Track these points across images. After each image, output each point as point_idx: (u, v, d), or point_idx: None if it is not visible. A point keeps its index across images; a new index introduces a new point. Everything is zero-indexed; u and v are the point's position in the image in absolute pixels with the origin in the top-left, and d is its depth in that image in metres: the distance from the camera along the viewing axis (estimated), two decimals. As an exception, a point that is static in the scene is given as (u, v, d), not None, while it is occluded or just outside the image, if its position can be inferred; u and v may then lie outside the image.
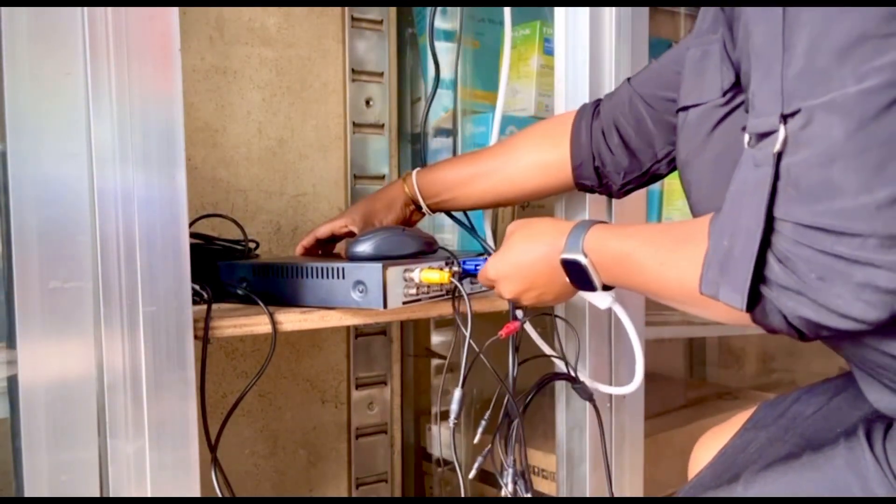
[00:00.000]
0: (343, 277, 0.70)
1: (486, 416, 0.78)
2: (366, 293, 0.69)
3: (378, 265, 0.68)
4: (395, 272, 0.69)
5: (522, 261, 0.67)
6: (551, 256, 0.64)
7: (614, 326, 0.91)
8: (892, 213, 0.43)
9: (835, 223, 0.44)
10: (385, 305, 0.68)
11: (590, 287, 0.64)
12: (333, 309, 0.72)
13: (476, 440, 0.76)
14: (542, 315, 0.88)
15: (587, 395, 0.83)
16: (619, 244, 0.60)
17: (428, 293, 0.75)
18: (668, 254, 0.57)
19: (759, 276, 0.48)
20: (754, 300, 0.49)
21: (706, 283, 0.52)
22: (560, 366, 0.84)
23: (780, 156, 0.46)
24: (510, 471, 0.77)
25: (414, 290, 0.72)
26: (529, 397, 0.80)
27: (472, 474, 0.77)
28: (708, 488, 0.61)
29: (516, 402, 0.77)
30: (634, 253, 0.59)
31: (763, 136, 0.48)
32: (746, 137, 0.50)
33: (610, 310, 0.87)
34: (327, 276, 0.71)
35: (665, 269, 0.56)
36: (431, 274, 0.71)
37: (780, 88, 0.47)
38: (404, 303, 0.71)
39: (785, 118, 0.46)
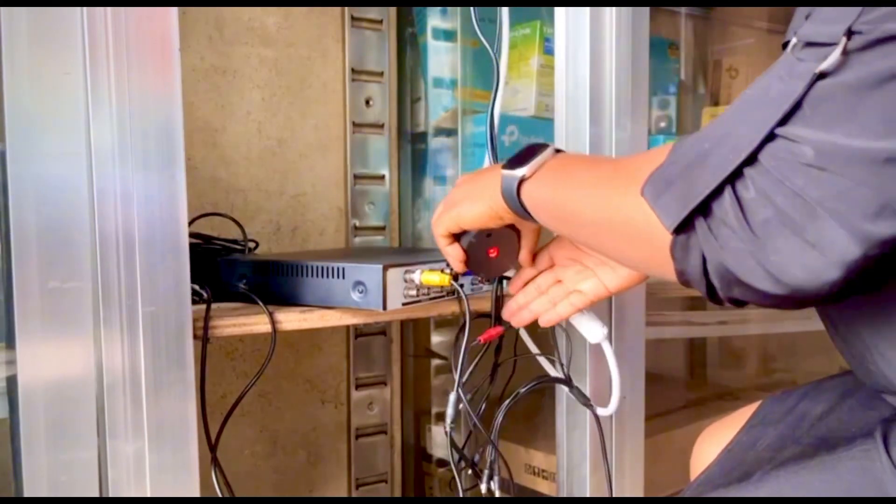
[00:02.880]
0: (343, 277, 0.70)
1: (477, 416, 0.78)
2: (365, 294, 0.69)
3: (378, 266, 0.68)
4: (395, 273, 0.69)
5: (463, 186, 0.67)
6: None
7: (615, 327, 0.90)
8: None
9: (831, 158, 0.40)
10: (385, 307, 0.68)
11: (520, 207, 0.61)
12: (333, 309, 0.72)
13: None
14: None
15: (584, 398, 0.83)
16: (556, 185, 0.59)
17: (428, 294, 0.75)
18: (608, 170, 0.54)
19: (704, 205, 0.45)
20: (684, 227, 0.46)
21: (650, 185, 0.48)
22: (557, 369, 0.84)
23: (822, 76, 0.41)
24: (486, 472, 0.78)
25: (414, 292, 0.72)
26: (510, 401, 0.79)
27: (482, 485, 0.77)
28: (718, 486, 0.60)
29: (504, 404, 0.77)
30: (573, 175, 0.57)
31: (814, 45, 0.42)
32: (793, 41, 0.44)
33: (610, 307, 0.88)
34: (327, 276, 0.71)
35: (601, 180, 0.54)
36: (432, 276, 0.71)
37: None
38: (404, 304, 0.71)
39: (852, 33, 0.40)
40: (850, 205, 0.40)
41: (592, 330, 0.77)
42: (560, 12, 0.87)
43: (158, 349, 0.61)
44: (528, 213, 0.62)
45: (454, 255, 0.70)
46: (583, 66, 0.86)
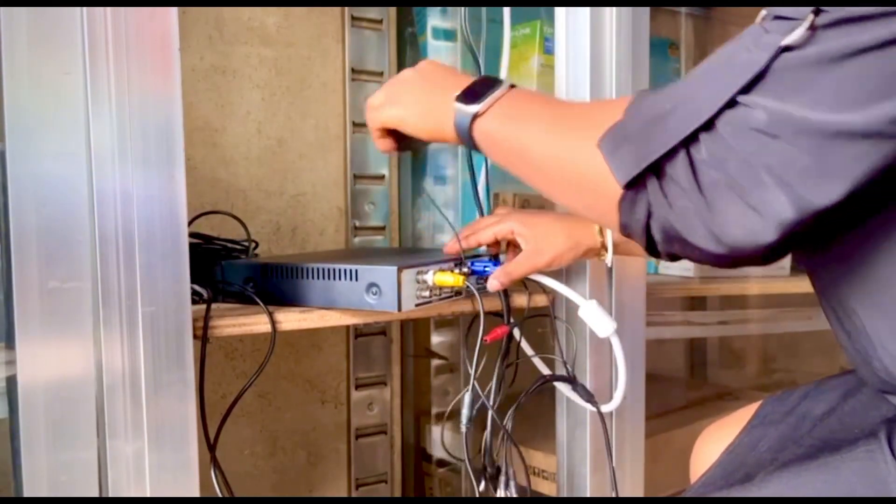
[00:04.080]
0: (356, 279, 0.70)
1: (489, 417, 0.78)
2: (380, 295, 0.68)
3: (393, 267, 0.68)
4: (409, 274, 0.69)
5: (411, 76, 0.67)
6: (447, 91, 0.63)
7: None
8: (847, 147, 0.41)
9: (783, 127, 0.42)
10: (400, 308, 0.68)
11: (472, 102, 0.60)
12: (332, 309, 0.72)
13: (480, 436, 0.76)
14: (540, 317, 0.88)
15: (587, 396, 0.83)
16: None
17: (440, 295, 0.75)
18: (565, 115, 0.56)
19: (657, 164, 0.46)
20: (635, 183, 0.47)
21: (608, 138, 0.49)
22: (560, 368, 0.84)
23: (787, 48, 0.42)
24: (502, 475, 0.78)
25: (427, 293, 0.72)
26: (519, 400, 0.79)
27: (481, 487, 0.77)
28: (719, 487, 0.60)
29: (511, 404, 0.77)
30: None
31: (782, 18, 0.43)
32: (763, 13, 0.45)
33: (611, 307, 0.88)
34: (339, 278, 0.71)
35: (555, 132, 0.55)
36: (445, 277, 0.71)
37: None
38: (417, 305, 0.71)
39: (819, 11, 0.41)
40: (794, 173, 0.42)
41: (602, 324, 0.77)
42: (560, 12, 0.87)
43: (158, 349, 0.61)
44: (478, 149, 0.62)
45: (384, 146, 0.71)
46: (583, 66, 0.86)
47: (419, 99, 0.66)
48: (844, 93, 0.41)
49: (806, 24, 0.41)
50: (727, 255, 0.46)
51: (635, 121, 0.49)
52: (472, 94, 0.61)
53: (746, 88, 0.43)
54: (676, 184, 0.46)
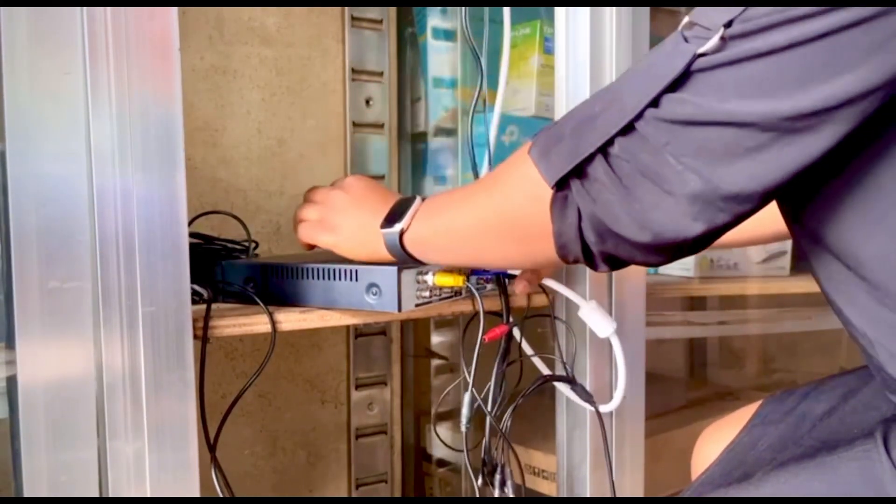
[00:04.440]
0: (356, 280, 0.70)
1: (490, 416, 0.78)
2: (380, 296, 0.68)
3: (393, 268, 0.68)
4: (409, 274, 0.69)
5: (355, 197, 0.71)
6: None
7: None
8: (758, 136, 0.44)
9: (697, 117, 0.45)
10: (400, 308, 0.68)
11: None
12: (332, 309, 0.72)
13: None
14: (540, 317, 0.88)
15: (586, 396, 0.83)
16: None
17: (440, 295, 0.75)
18: (475, 185, 0.62)
19: (580, 167, 0.50)
20: (564, 184, 0.51)
21: (538, 144, 0.53)
22: (559, 368, 0.84)
23: (701, 55, 0.46)
24: (497, 473, 0.78)
25: (427, 293, 0.72)
26: (518, 400, 0.79)
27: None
28: (718, 486, 0.61)
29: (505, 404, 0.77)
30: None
31: (698, 26, 0.47)
32: (685, 20, 0.49)
33: (610, 307, 0.88)
34: (339, 278, 0.71)
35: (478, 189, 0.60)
36: (446, 277, 0.71)
37: None
38: (417, 305, 0.71)
39: (731, 23, 0.45)
40: (707, 158, 0.46)
41: (602, 324, 0.77)
42: (560, 12, 0.87)
43: (158, 349, 0.61)
44: (418, 261, 0.66)
45: (308, 249, 0.76)
46: (583, 66, 0.86)
47: (352, 227, 0.70)
48: (754, 86, 0.44)
49: (717, 35, 0.45)
50: (653, 243, 0.49)
51: (568, 123, 0.52)
52: (392, 218, 0.65)
53: (668, 89, 0.47)
54: (597, 181, 0.49)
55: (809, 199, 0.53)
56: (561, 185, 0.51)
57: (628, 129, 0.48)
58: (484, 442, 0.78)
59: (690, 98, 0.46)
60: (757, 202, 0.47)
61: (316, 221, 0.73)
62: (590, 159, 0.49)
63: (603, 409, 0.83)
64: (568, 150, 0.50)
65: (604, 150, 0.49)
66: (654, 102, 0.47)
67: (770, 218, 0.67)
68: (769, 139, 0.45)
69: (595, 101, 0.52)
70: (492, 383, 0.77)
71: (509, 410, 0.78)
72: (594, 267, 0.55)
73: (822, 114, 0.43)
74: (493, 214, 0.58)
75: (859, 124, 0.44)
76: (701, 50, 0.45)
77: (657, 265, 0.55)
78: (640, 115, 0.47)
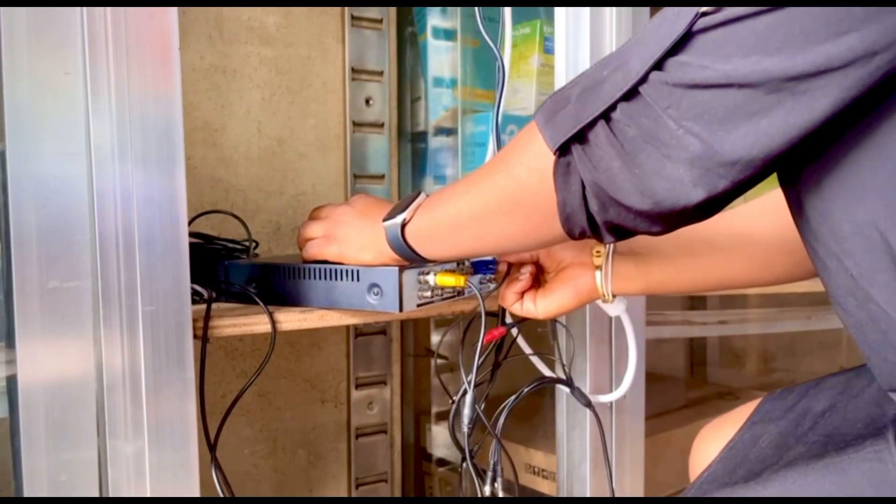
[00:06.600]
0: (357, 280, 0.70)
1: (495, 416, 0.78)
2: (381, 296, 0.68)
3: (395, 268, 0.68)
4: (410, 274, 0.69)
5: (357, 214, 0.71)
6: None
7: (615, 330, 0.91)
8: (762, 97, 0.43)
9: (697, 80, 0.44)
10: (401, 308, 0.68)
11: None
12: (333, 309, 0.72)
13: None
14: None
15: (584, 399, 0.83)
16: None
17: (441, 295, 0.75)
18: (476, 171, 0.60)
19: (582, 133, 0.49)
20: (566, 149, 0.50)
21: (544, 110, 0.52)
22: (558, 369, 0.84)
23: (703, 14, 0.45)
24: (489, 471, 0.78)
25: (429, 293, 0.72)
26: (512, 400, 0.79)
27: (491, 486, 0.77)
28: (723, 484, 0.60)
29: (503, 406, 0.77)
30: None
31: None
32: None
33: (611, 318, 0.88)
34: (340, 279, 0.71)
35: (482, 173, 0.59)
36: (447, 277, 0.71)
37: None
38: (418, 305, 0.71)
39: None
40: (707, 121, 0.45)
41: (613, 302, 0.76)
42: (560, 12, 0.87)
43: (158, 349, 0.61)
44: (419, 255, 0.65)
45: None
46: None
47: (356, 235, 0.71)
48: (759, 44, 0.43)
49: None
50: (654, 210, 0.48)
51: (575, 87, 0.51)
52: (395, 212, 0.65)
53: (671, 51, 0.46)
54: (599, 147, 0.48)
55: (810, 172, 0.51)
56: (563, 151, 0.50)
57: (632, 93, 0.47)
58: (461, 438, 0.77)
59: (692, 59, 0.45)
60: (758, 169, 0.46)
61: (321, 237, 0.73)
62: (592, 125, 0.49)
63: (610, 396, 0.83)
64: (572, 114, 0.50)
65: (606, 115, 0.48)
66: (658, 65, 0.46)
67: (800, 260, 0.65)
68: (770, 102, 0.44)
69: (604, 64, 0.51)
70: (471, 388, 0.77)
71: (506, 412, 0.78)
72: (600, 238, 0.54)
73: (825, 74, 0.42)
74: (496, 195, 0.57)
75: (862, 94, 0.43)
76: (703, 9, 0.44)
77: (660, 234, 0.53)
78: (644, 79, 0.46)
